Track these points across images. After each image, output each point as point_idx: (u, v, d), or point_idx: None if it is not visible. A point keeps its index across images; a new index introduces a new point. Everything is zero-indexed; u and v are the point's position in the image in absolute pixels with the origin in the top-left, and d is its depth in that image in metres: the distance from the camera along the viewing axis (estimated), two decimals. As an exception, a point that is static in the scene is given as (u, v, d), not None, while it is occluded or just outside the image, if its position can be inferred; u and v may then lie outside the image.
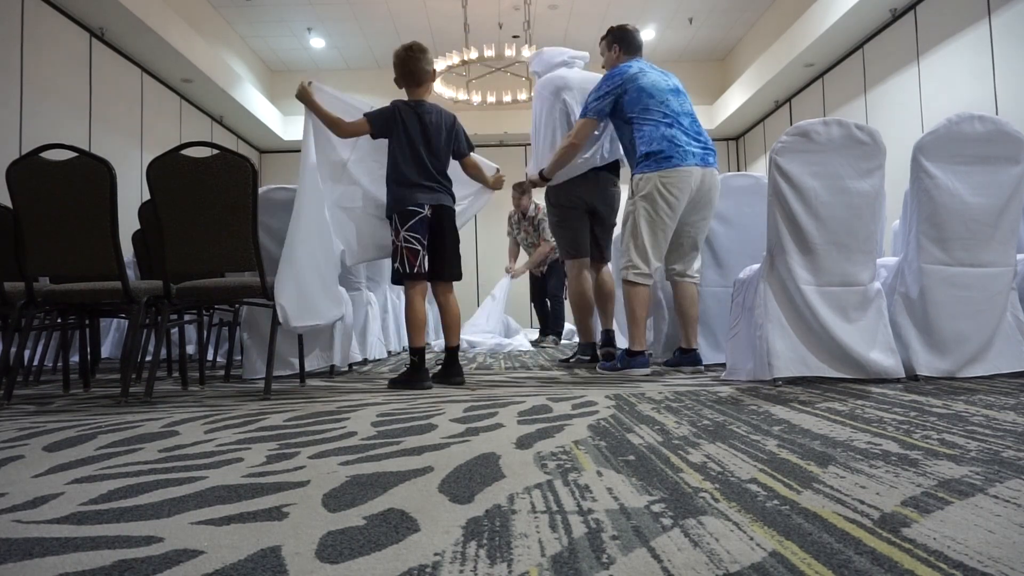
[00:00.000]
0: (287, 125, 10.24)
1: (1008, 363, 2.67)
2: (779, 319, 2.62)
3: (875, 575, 0.74)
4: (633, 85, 3.20)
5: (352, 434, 1.72)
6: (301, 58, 10.24)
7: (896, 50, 6.73)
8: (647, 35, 9.48)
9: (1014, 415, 1.74)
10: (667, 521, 0.94)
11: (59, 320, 3.45)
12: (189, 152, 2.69)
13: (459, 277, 3.04)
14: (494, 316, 6.18)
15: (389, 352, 4.85)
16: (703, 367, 3.26)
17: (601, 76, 3.40)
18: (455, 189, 3.15)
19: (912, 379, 2.60)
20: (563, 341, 6.38)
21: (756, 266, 2.81)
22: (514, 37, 8.89)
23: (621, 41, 3.45)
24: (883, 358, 2.55)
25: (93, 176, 2.66)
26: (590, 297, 3.79)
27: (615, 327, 3.92)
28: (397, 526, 0.95)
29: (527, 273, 6.47)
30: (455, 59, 7.23)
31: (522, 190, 5.99)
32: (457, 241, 3.04)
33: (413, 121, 2.93)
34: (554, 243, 5.07)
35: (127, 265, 2.87)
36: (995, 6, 5.42)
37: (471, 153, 3.16)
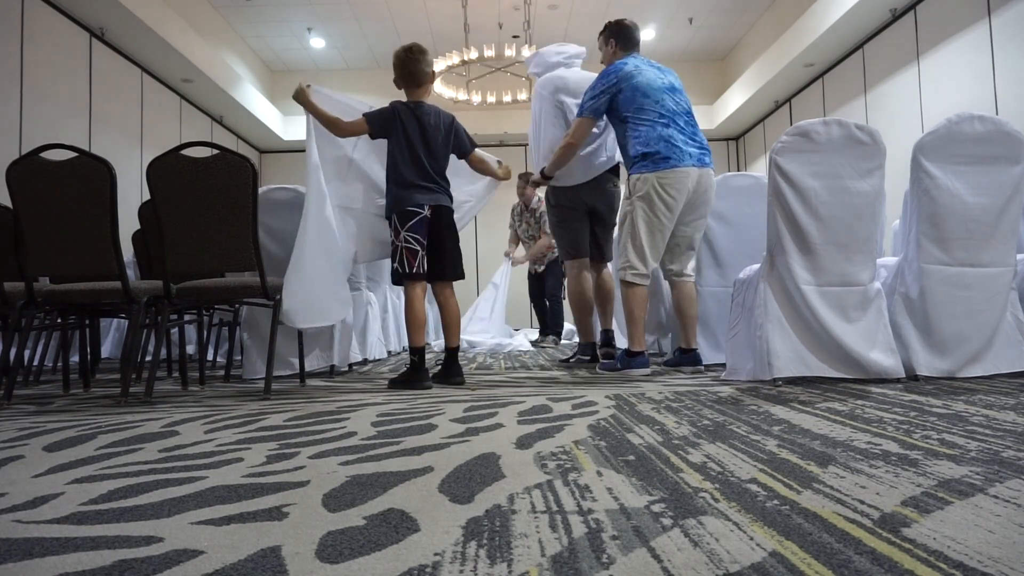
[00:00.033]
0: (287, 125, 10.24)
1: (1008, 363, 2.67)
2: (779, 319, 2.62)
3: (875, 575, 0.74)
4: (628, 84, 3.19)
5: (352, 434, 1.72)
6: (301, 58, 10.24)
7: (896, 50, 6.73)
8: (647, 35, 9.48)
9: (1014, 415, 1.74)
10: (667, 521, 0.94)
11: (59, 320, 3.45)
12: (189, 152, 2.69)
13: (462, 276, 3.04)
14: (498, 307, 6.19)
15: (389, 352, 4.85)
16: (703, 367, 3.26)
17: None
18: (460, 187, 3.15)
19: (912, 379, 2.60)
20: (563, 341, 6.38)
21: (756, 266, 2.81)
22: (514, 37, 8.89)
23: (618, 36, 3.45)
24: (883, 358, 2.55)
25: (93, 176, 2.66)
26: (590, 297, 3.79)
27: (614, 327, 3.92)
28: (397, 526, 0.95)
29: (526, 273, 6.47)
30: (455, 59, 7.23)
31: (527, 180, 6.00)
32: (457, 240, 3.04)
33: (412, 122, 2.94)
34: (553, 242, 5.09)
35: (127, 265, 2.87)
36: (995, 6, 5.42)
37: (475, 149, 3.17)
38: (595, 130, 3.49)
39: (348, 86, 10.20)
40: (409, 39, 9.70)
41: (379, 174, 3.12)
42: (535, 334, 6.72)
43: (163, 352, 3.76)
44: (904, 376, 2.56)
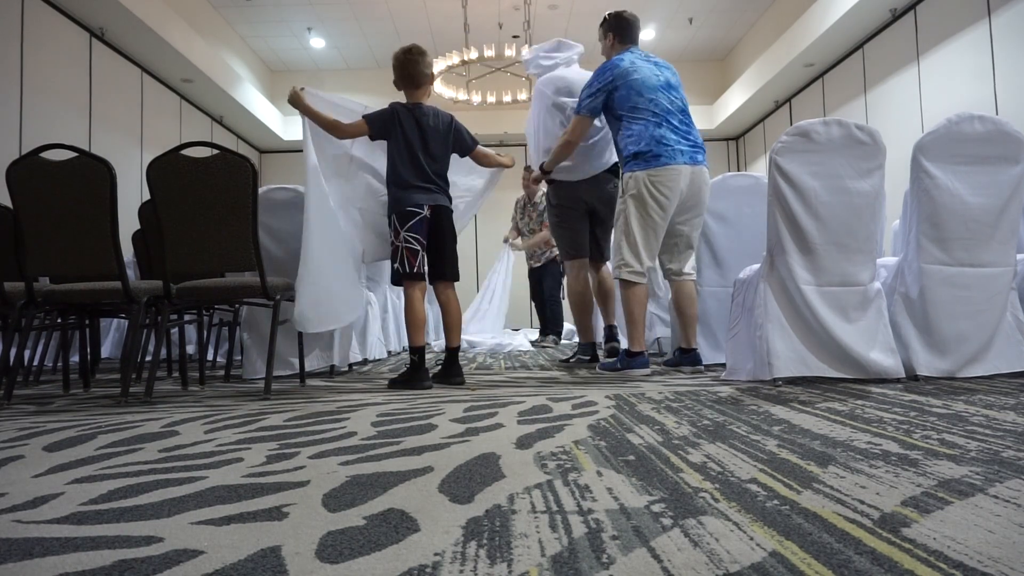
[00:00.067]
0: (287, 125, 10.23)
1: (1008, 363, 2.67)
2: (779, 319, 2.62)
3: (875, 575, 0.74)
4: (623, 82, 3.18)
5: (352, 434, 1.72)
6: (301, 58, 10.24)
7: (896, 50, 6.73)
8: (647, 35, 9.48)
9: (1014, 415, 1.74)
10: (667, 521, 0.94)
11: (59, 320, 3.45)
12: (189, 152, 2.69)
13: (458, 278, 3.05)
14: (500, 298, 6.23)
15: (389, 352, 4.85)
16: (703, 367, 3.26)
17: None
18: (460, 183, 3.16)
19: (912, 379, 2.60)
20: (563, 341, 6.38)
21: (756, 266, 2.81)
22: (514, 37, 8.89)
23: (616, 29, 3.44)
24: (883, 358, 2.55)
25: (93, 176, 2.66)
26: (590, 297, 3.80)
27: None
28: (397, 526, 0.95)
29: (526, 273, 6.47)
30: (455, 59, 7.22)
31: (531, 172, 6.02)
32: (456, 241, 3.05)
33: (411, 124, 2.94)
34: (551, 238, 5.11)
35: (127, 265, 2.87)
36: (995, 6, 5.42)
37: (477, 145, 3.18)
38: (597, 123, 3.49)
39: (348, 86, 10.21)
40: (409, 39, 9.65)
41: (381, 171, 3.12)
42: (535, 334, 6.72)
43: (163, 352, 3.76)
44: (904, 376, 2.56)
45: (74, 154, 2.67)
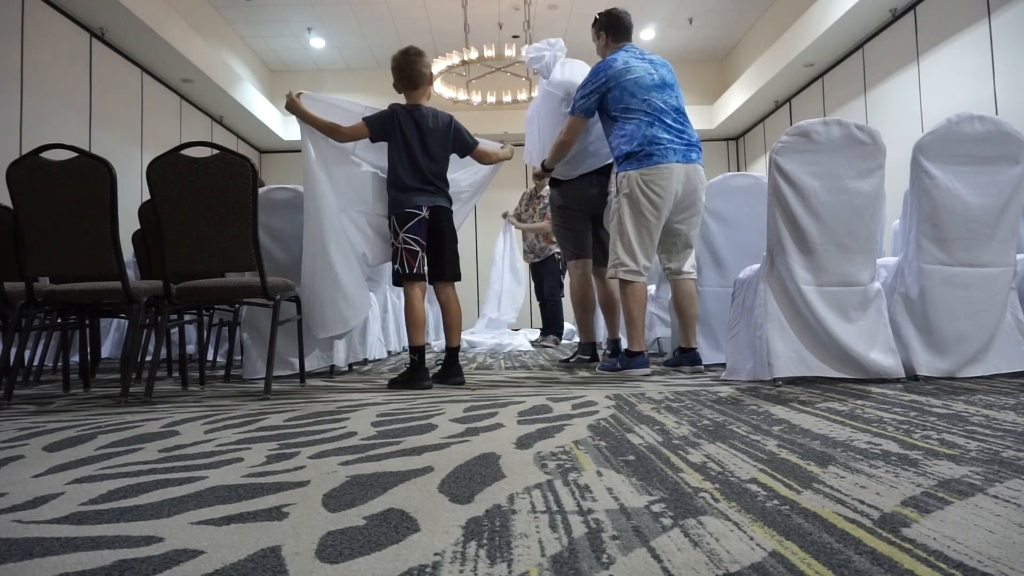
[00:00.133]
0: (287, 125, 10.23)
1: (1008, 363, 2.67)
2: (779, 319, 2.62)
3: (875, 575, 0.74)
4: (617, 82, 3.18)
5: (352, 434, 1.72)
6: (301, 58, 10.24)
7: (896, 50, 6.73)
8: (647, 35, 9.48)
9: (1014, 415, 1.74)
10: (667, 521, 0.94)
11: (59, 320, 3.45)
12: (189, 152, 2.69)
13: (459, 277, 3.05)
14: (508, 278, 6.27)
15: (389, 352, 4.85)
16: (703, 367, 3.25)
17: None
18: (460, 178, 3.17)
19: (912, 379, 2.60)
20: (563, 341, 6.38)
21: (756, 266, 2.81)
22: (514, 37, 8.89)
23: (608, 28, 3.44)
24: (883, 358, 2.55)
25: (93, 176, 2.66)
26: (592, 297, 3.80)
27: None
28: (397, 526, 0.95)
29: (526, 272, 6.47)
30: (455, 59, 7.22)
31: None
32: (456, 241, 3.05)
33: (410, 126, 2.94)
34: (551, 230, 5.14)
35: (127, 265, 2.87)
36: (995, 6, 5.42)
37: (478, 144, 3.18)
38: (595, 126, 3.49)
39: (348, 86, 10.21)
40: (409, 39, 9.63)
41: (382, 176, 3.12)
42: (535, 334, 6.72)
43: (163, 352, 3.76)
44: (904, 376, 2.56)
45: (74, 154, 2.67)
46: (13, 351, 2.83)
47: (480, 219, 9.99)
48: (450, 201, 3.06)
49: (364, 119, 2.97)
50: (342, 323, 3.13)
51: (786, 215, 2.62)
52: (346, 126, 2.95)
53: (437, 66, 7.15)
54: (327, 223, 2.98)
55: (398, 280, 2.98)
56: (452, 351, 2.99)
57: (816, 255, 2.61)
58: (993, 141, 2.65)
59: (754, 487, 1.11)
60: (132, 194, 6.76)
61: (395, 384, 2.84)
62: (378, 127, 2.95)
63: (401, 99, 3.08)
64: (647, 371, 3.12)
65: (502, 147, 3.35)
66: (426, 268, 2.99)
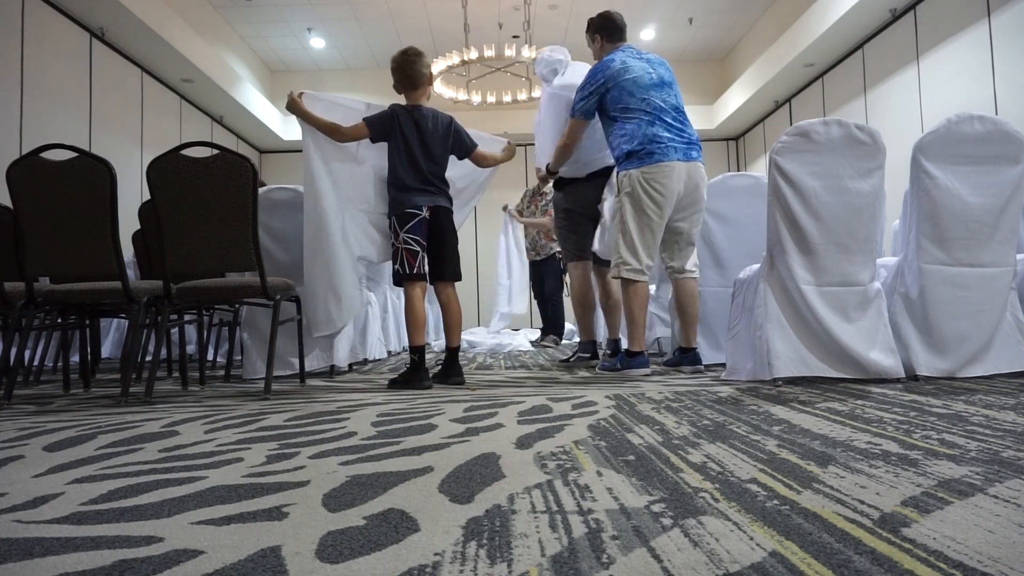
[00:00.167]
0: (287, 125, 10.23)
1: (1008, 363, 2.67)
2: (779, 319, 2.62)
3: (875, 575, 0.74)
4: (615, 83, 3.18)
5: (352, 434, 1.72)
6: (301, 58, 10.24)
7: (896, 50, 6.73)
8: (647, 35, 9.48)
9: (1014, 415, 1.74)
10: (667, 521, 0.94)
11: (59, 320, 3.45)
12: (189, 152, 2.69)
13: (459, 277, 3.05)
14: (516, 272, 6.29)
15: (389, 352, 4.85)
16: (703, 367, 3.25)
17: None
18: (460, 176, 3.17)
19: (912, 379, 2.60)
20: (563, 341, 6.38)
21: (756, 266, 2.81)
22: (514, 37, 8.89)
23: (602, 30, 3.43)
24: (883, 358, 2.55)
25: (93, 176, 2.66)
26: (592, 297, 3.81)
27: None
28: (397, 526, 0.95)
29: (527, 272, 6.47)
30: (455, 59, 7.22)
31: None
32: (456, 241, 3.05)
33: (410, 127, 2.95)
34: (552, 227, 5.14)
35: (127, 265, 2.87)
36: (995, 6, 5.42)
37: (476, 147, 3.18)
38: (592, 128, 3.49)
39: (348, 86, 10.20)
40: (409, 39, 9.63)
41: (383, 176, 3.13)
42: (535, 334, 6.72)
43: (163, 352, 3.76)
44: (904, 376, 2.56)
45: (74, 154, 2.67)
46: (13, 351, 2.83)
47: (480, 219, 9.99)
48: (450, 201, 3.06)
49: (364, 119, 2.97)
50: (329, 324, 3.15)
51: (786, 215, 2.62)
52: (347, 126, 2.95)
53: (437, 66, 7.15)
54: (325, 223, 2.99)
55: (398, 280, 2.98)
56: (452, 351, 2.99)
57: (816, 255, 2.61)
58: (993, 141, 2.65)
59: (754, 487, 1.11)
60: (132, 194, 6.76)
61: (395, 384, 2.84)
62: (378, 128, 2.96)
63: (401, 100, 3.08)
64: (647, 371, 3.12)
65: (506, 144, 3.35)
66: (426, 268, 2.99)
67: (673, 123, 3.16)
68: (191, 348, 4.56)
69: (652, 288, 4.08)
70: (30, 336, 3.17)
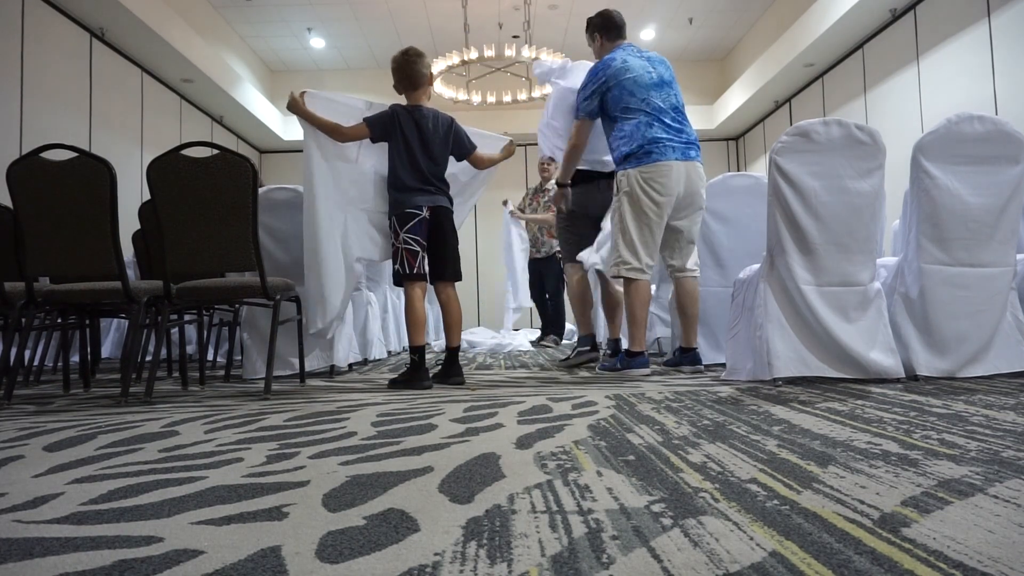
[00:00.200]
0: (287, 125, 10.23)
1: (1008, 363, 2.67)
2: (779, 319, 2.62)
3: (875, 575, 0.74)
4: (615, 82, 3.18)
5: (352, 434, 1.72)
6: (301, 58, 10.24)
7: (896, 50, 6.73)
8: (647, 35, 9.48)
9: (1014, 415, 1.74)
10: (667, 521, 0.94)
11: (59, 320, 3.45)
12: (189, 152, 2.69)
13: (459, 277, 3.05)
14: (519, 270, 6.30)
15: (389, 352, 4.85)
16: (703, 367, 3.26)
17: None
18: (460, 175, 3.17)
19: (912, 379, 2.60)
20: (563, 341, 6.38)
21: (756, 266, 2.81)
22: (514, 37, 8.89)
23: (601, 28, 3.43)
24: (883, 358, 2.55)
25: (93, 176, 2.66)
26: (590, 295, 3.82)
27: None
28: (397, 526, 0.95)
29: (527, 272, 6.47)
30: (455, 59, 7.22)
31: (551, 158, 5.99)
32: (456, 241, 3.05)
33: (411, 127, 2.95)
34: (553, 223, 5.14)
35: (127, 265, 2.87)
36: (995, 6, 5.42)
37: (475, 150, 3.18)
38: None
39: (348, 86, 10.20)
40: (409, 39, 9.64)
41: (383, 175, 3.12)
42: (535, 334, 6.72)
43: (163, 352, 3.76)
44: (904, 376, 2.56)
45: (74, 154, 2.67)
46: (13, 351, 2.83)
47: (480, 219, 9.99)
48: (451, 201, 3.06)
49: (365, 119, 2.97)
50: (312, 324, 3.13)
51: (786, 215, 2.62)
52: (347, 126, 2.95)
53: (437, 66, 7.15)
54: (323, 223, 2.98)
55: (398, 280, 2.98)
56: (452, 351, 2.99)
57: (816, 255, 2.61)
58: (993, 141, 2.65)
59: (754, 487, 1.11)
60: (132, 194, 6.76)
61: (395, 384, 2.84)
62: (379, 128, 2.96)
63: (402, 100, 3.08)
64: (647, 371, 3.12)
65: (507, 143, 3.35)
66: (427, 268, 2.99)
67: (672, 123, 3.17)
68: (191, 348, 4.56)
69: (652, 288, 4.09)
70: (30, 336, 3.17)
